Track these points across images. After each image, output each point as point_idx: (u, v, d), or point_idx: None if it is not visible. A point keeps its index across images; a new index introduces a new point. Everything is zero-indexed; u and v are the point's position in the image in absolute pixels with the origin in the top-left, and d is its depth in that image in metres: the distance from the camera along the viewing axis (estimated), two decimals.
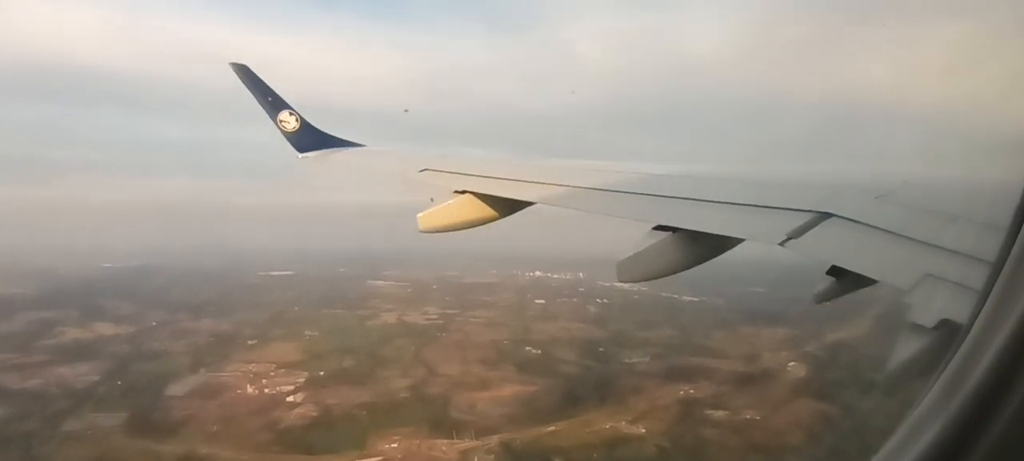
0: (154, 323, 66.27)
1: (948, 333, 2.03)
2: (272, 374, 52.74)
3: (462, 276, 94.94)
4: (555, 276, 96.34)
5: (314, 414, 45.54)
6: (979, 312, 1.47)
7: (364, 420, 44.56)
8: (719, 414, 45.10)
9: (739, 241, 3.78)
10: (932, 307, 2.24)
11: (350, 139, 9.52)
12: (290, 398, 48.36)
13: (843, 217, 3.22)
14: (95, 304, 71.38)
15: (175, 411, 45.59)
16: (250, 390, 49.73)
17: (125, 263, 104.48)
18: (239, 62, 8.90)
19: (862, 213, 3.20)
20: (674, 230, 3.81)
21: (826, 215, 3.27)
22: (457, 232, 5.92)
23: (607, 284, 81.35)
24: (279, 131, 9.00)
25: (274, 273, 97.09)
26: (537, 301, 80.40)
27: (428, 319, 71.38)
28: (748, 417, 44.58)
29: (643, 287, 74.17)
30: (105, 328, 63.42)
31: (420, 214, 5.77)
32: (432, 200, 5.88)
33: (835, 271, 3.28)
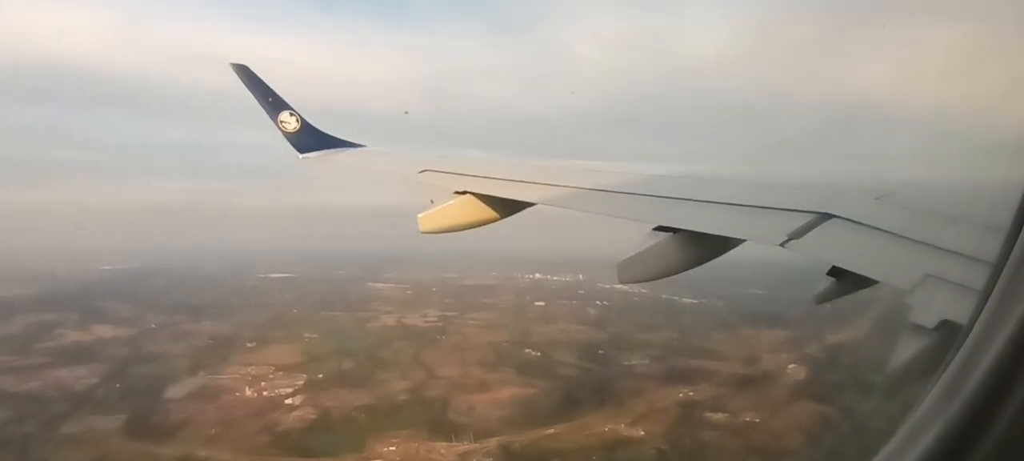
0: (153, 325, 66.14)
1: (949, 334, 2.04)
2: (271, 376, 52.66)
3: (462, 278, 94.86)
4: (555, 278, 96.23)
5: (313, 417, 45.47)
6: (979, 313, 1.47)
7: (363, 422, 44.48)
8: (718, 416, 45.05)
9: (740, 242, 3.79)
10: (932, 308, 2.25)
11: (350, 140, 9.55)
12: (289, 400, 48.25)
13: (843, 218, 3.23)
14: (94, 306, 71.29)
15: (174, 414, 45.50)
16: (249, 393, 49.63)
17: (125, 265, 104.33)
18: (239, 63, 8.93)
19: (862, 214, 3.21)
20: (675, 231, 3.81)
21: (827, 216, 3.28)
22: (457, 233, 5.93)
23: (607, 286, 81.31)
24: (279, 132, 9.02)
25: (273, 275, 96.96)
26: (537, 303, 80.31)
27: (427, 321, 71.30)
28: (747, 419, 44.53)
29: (643, 289, 74.14)
30: (104, 330, 63.31)
31: (420, 215, 5.78)
32: (432, 202, 5.89)
33: (836, 272, 3.29)
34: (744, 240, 3.69)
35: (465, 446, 41.72)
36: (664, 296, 73.76)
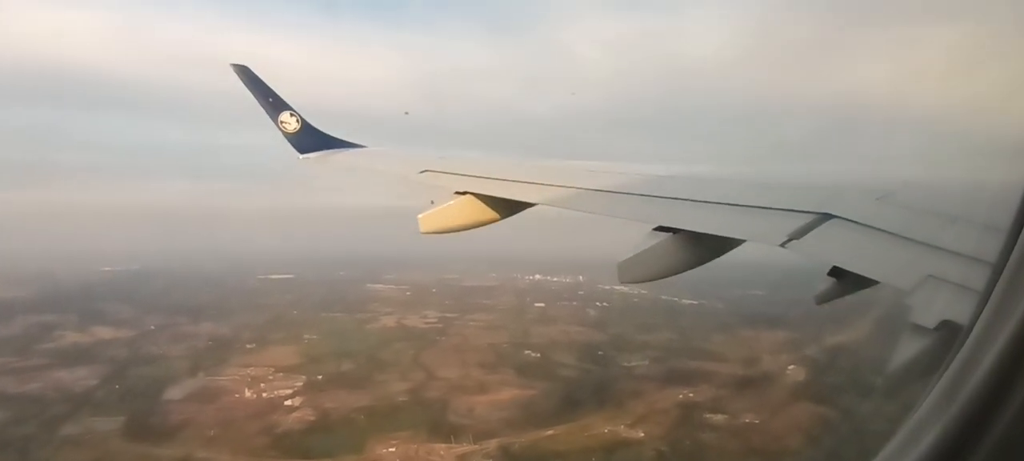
0: (153, 327, 66.13)
1: (949, 334, 2.03)
2: (270, 378, 52.63)
3: (462, 279, 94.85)
4: (555, 279, 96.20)
5: (312, 418, 45.44)
6: (980, 313, 1.47)
7: (362, 424, 44.45)
8: (718, 418, 45.04)
9: (740, 242, 3.79)
10: (933, 308, 2.24)
11: (350, 140, 9.56)
12: (288, 402, 48.22)
13: (844, 218, 3.23)
14: (94, 308, 71.24)
15: (173, 415, 45.46)
16: (248, 394, 49.60)
17: (125, 267, 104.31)
18: (240, 63, 8.95)
19: (863, 214, 3.21)
20: (675, 231, 3.81)
21: (827, 216, 3.28)
22: (457, 235, 5.93)
23: (607, 287, 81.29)
24: (280, 132, 9.03)
25: (273, 276, 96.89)
26: (537, 304, 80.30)
27: (427, 323, 71.28)
28: (747, 421, 44.53)
29: (643, 290, 74.07)
30: (104, 332, 63.27)
31: (421, 215, 5.78)
32: (432, 203, 5.88)
33: (836, 272, 3.29)
34: (744, 240, 3.69)
35: (464, 447, 41.69)
36: (664, 297, 73.71)
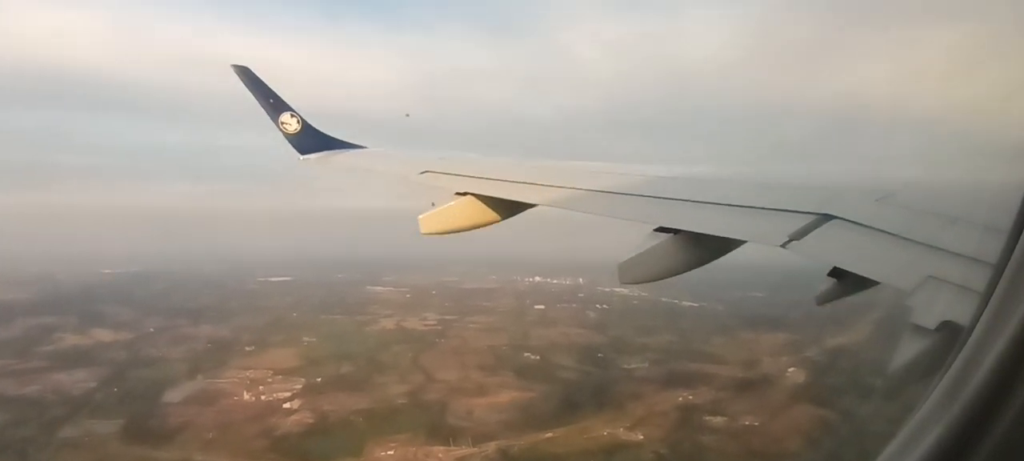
0: (152, 329, 66.07)
1: (950, 335, 2.03)
2: (269, 380, 52.54)
3: (461, 282, 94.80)
4: (555, 281, 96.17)
5: (311, 421, 45.36)
6: (981, 314, 1.47)
7: (361, 427, 44.37)
8: (718, 420, 44.98)
9: (740, 243, 3.78)
10: (934, 309, 2.24)
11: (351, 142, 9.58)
12: (287, 405, 48.14)
13: (844, 219, 3.23)
14: (94, 310, 71.14)
15: (172, 418, 45.37)
16: (247, 396, 49.51)
17: (124, 269, 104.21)
18: (240, 64, 8.96)
19: (863, 215, 3.21)
20: (675, 232, 3.81)
21: (827, 217, 3.28)
22: (457, 237, 5.92)
23: (607, 289, 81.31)
24: (280, 133, 9.04)
25: (273, 279, 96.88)
26: (536, 306, 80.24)
27: (426, 325, 71.20)
28: (747, 423, 44.46)
29: (643, 292, 74.05)
30: (103, 334, 63.18)
31: (421, 216, 5.78)
32: (433, 204, 5.88)
33: (836, 273, 3.29)
34: (745, 241, 3.68)
35: (463, 450, 41.63)
36: (664, 299, 73.71)
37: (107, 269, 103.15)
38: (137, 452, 40.60)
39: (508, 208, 5.77)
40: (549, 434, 43.49)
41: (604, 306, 78.58)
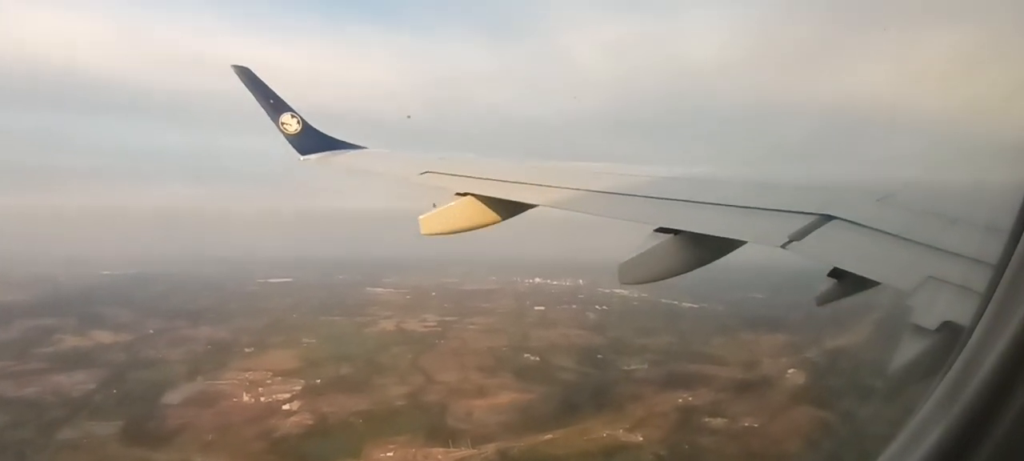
0: (152, 331, 65.99)
1: (951, 335, 2.03)
2: (268, 382, 52.50)
3: (461, 283, 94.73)
4: (555, 283, 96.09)
5: (310, 422, 45.31)
6: (982, 314, 1.47)
7: (360, 428, 44.34)
8: (717, 422, 44.95)
9: (741, 243, 3.78)
10: (934, 309, 2.24)
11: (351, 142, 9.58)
12: (286, 406, 48.11)
13: (845, 219, 3.23)
14: (94, 311, 71.05)
15: (171, 420, 45.33)
16: (246, 398, 49.46)
17: (124, 270, 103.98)
18: (240, 65, 8.97)
19: (864, 216, 3.21)
20: (676, 232, 3.82)
21: (828, 217, 3.29)
22: (457, 238, 5.92)
23: (607, 290, 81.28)
24: (280, 134, 9.04)
25: (273, 280, 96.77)
26: (536, 308, 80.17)
27: (426, 326, 71.15)
28: (746, 425, 44.43)
29: (643, 294, 74.01)
30: (103, 336, 63.11)
31: (421, 217, 5.79)
32: (434, 206, 5.88)
33: (837, 273, 3.29)
34: (745, 241, 3.69)
35: (462, 451, 41.58)
36: (664, 301, 73.68)
37: (107, 270, 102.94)
38: (136, 454, 40.56)
39: (508, 208, 5.77)
40: (548, 435, 43.44)
41: (604, 307, 78.52)
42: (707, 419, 45.33)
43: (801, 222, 3.29)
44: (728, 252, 4.00)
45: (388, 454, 41.00)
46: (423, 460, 41.04)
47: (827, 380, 47.76)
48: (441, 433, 43.97)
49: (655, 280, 3.95)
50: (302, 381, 52.82)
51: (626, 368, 56.33)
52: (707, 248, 3.90)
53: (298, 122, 9.09)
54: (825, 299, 3.51)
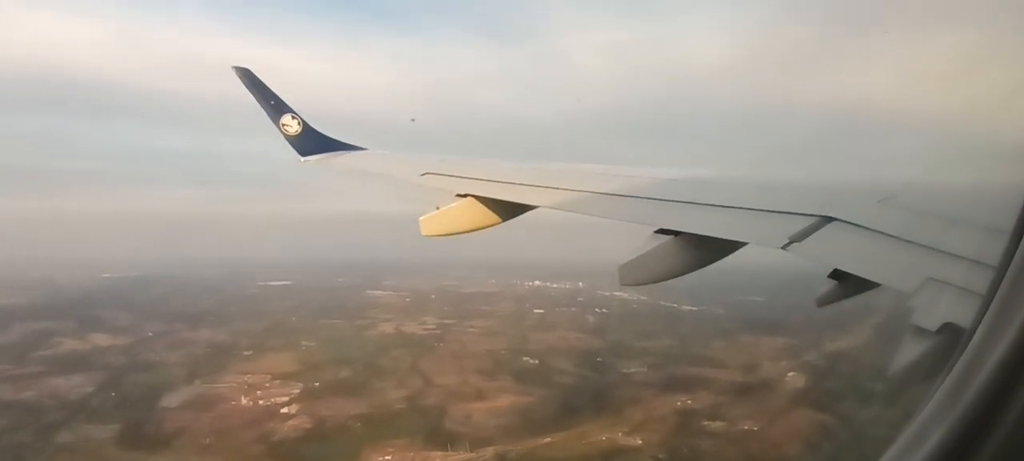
0: (151, 334, 65.89)
1: (951, 337, 2.02)
2: (267, 385, 52.39)
3: (461, 286, 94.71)
4: (554, 285, 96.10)
5: (308, 426, 45.18)
6: (983, 316, 1.46)
7: (358, 432, 44.23)
8: (717, 425, 44.87)
9: (741, 245, 3.78)
10: (935, 311, 2.24)
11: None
12: (284, 409, 47.99)
13: (845, 221, 3.23)
14: (93, 314, 70.96)
15: (168, 423, 45.19)
16: (245, 401, 49.36)
17: (124, 273, 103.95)
18: (241, 66, 8.97)
19: (864, 217, 3.21)
20: (676, 234, 3.81)
21: (828, 219, 3.28)
22: (457, 240, 5.92)
23: (607, 293, 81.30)
24: (281, 136, 9.04)
25: (273, 283, 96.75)
26: (536, 311, 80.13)
27: (426, 329, 71.08)
28: (746, 428, 44.36)
29: (642, 296, 74.04)
30: (102, 339, 62.98)
31: (422, 218, 5.79)
32: (437, 208, 5.88)
33: (837, 275, 3.29)
34: (746, 243, 3.68)
35: (461, 455, 41.48)
36: (664, 303, 73.68)
37: (107, 273, 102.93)
38: (133, 457, 40.41)
39: (509, 210, 5.77)
40: (547, 439, 43.34)
41: (603, 310, 78.49)
42: (706, 422, 45.25)
43: (802, 224, 3.29)
44: (728, 253, 4.00)
45: (386, 458, 40.87)
46: None
47: (827, 383, 47.76)
48: (440, 436, 43.85)
49: (655, 281, 3.95)
50: (301, 384, 52.72)
51: (625, 371, 56.25)
52: (707, 249, 3.89)
53: (299, 123, 9.10)
54: (825, 301, 3.51)
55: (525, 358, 60.46)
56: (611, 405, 48.26)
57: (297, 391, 51.36)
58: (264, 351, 61.05)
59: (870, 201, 3.50)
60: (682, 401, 48.68)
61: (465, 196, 5.82)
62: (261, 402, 49.13)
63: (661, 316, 71.49)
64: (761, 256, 3.43)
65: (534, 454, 41.77)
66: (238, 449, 41.82)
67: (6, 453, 39.43)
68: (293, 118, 9.06)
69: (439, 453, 41.81)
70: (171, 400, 48.85)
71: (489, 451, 41.91)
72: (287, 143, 9.14)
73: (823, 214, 3.33)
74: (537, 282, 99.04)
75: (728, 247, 3.91)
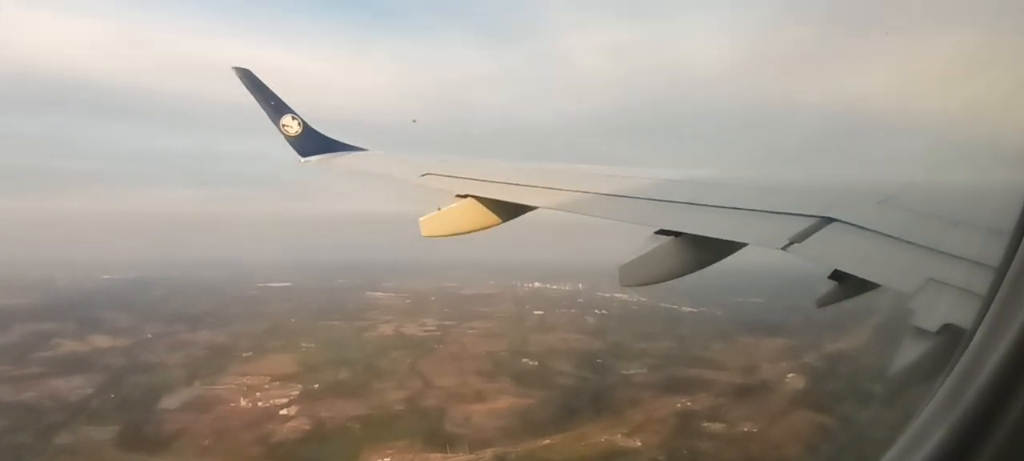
0: (151, 335, 65.83)
1: (952, 338, 2.02)
2: (266, 387, 52.33)
3: (461, 287, 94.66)
4: (554, 287, 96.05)
5: (307, 427, 45.13)
6: (983, 317, 1.46)
7: (358, 433, 44.17)
8: (716, 426, 44.84)
9: (741, 245, 3.78)
10: (935, 312, 2.24)
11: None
12: (284, 411, 47.92)
13: (845, 222, 3.23)
14: (93, 316, 70.92)
15: (168, 424, 45.16)
16: (244, 403, 49.30)
17: (124, 274, 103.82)
18: (241, 67, 8.98)
19: (864, 218, 3.21)
20: (676, 235, 3.81)
21: (829, 220, 3.29)
22: (457, 241, 5.92)
23: (606, 295, 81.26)
24: (281, 137, 9.05)
25: (273, 284, 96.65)
26: (535, 312, 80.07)
27: (425, 331, 71.04)
28: (745, 429, 44.34)
29: (642, 298, 74.03)
30: (101, 340, 62.95)
31: (422, 219, 5.79)
32: (438, 208, 5.88)
33: (838, 276, 3.29)
34: (746, 244, 3.68)
35: (460, 457, 41.44)
36: (663, 305, 73.66)
37: (107, 274, 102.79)
38: (133, 459, 40.38)
39: (509, 210, 5.78)
40: (547, 441, 43.31)
41: (603, 311, 78.43)
42: (706, 424, 45.22)
43: (802, 224, 3.29)
44: (729, 254, 4.00)
45: (386, 459, 40.83)
46: None
47: (827, 384, 47.73)
48: (439, 438, 43.80)
49: (655, 282, 3.95)
50: (300, 386, 52.67)
51: (625, 373, 56.21)
52: (708, 250, 3.90)
53: (299, 124, 9.11)
54: (826, 301, 3.51)
55: (525, 360, 60.40)
56: (611, 407, 48.23)
57: (296, 393, 51.31)
58: (264, 353, 61.01)
59: (870, 202, 3.50)
60: (682, 403, 48.65)
61: (465, 197, 5.83)
62: (260, 403, 49.08)
63: (661, 317, 71.46)
64: (761, 257, 3.43)
65: (533, 456, 41.73)
66: (237, 450, 41.77)
67: (6, 454, 39.40)
68: (293, 119, 9.07)
69: (438, 455, 41.76)
70: (170, 401, 48.82)
71: (488, 453, 41.86)
72: (287, 144, 9.16)
73: (823, 215, 3.33)
74: (537, 283, 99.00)
75: (728, 248, 3.91)
